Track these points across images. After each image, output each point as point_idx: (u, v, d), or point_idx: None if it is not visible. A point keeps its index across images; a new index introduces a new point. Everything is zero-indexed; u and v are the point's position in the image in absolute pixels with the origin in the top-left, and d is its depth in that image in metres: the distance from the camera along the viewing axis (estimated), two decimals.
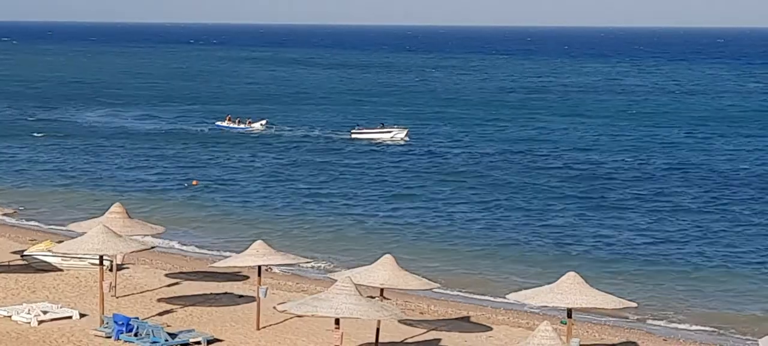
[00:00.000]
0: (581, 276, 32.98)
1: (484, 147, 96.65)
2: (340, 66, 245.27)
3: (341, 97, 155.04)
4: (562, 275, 33.24)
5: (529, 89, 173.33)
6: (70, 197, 71.78)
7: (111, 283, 40.57)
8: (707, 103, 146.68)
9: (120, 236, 37.95)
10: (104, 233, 37.31)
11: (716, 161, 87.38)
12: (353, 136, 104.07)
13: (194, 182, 76.83)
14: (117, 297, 41.57)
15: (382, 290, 36.21)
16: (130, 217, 42.98)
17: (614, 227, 61.27)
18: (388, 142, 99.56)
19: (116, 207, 42.84)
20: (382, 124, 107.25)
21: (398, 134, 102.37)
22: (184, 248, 56.77)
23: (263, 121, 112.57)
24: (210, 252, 55.04)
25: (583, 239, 58.58)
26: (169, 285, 44.92)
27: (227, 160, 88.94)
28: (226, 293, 43.70)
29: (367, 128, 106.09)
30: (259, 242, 39.03)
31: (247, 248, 39.07)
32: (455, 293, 48.10)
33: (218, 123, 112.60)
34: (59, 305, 39.55)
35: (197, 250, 56.24)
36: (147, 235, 45.06)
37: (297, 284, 47.19)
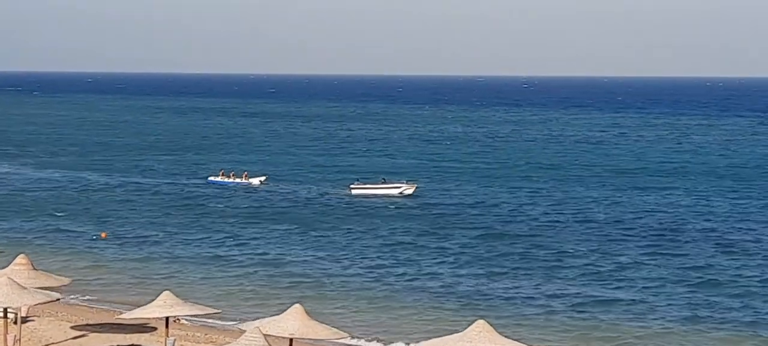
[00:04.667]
0: (490, 324, 33.12)
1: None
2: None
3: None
4: (472, 323, 33.35)
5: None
6: None
7: (15, 336, 39.89)
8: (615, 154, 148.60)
9: (24, 288, 37.37)
10: (8, 284, 36.75)
11: (629, 214, 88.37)
12: (353, 191, 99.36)
13: (103, 235, 75.92)
14: None
15: (291, 340, 36.05)
16: (35, 268, 42.35)
17: (529, 279, 61.47)
18: (395, 198, 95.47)
19: (21, 259, 42.23)
20: (384, 179, 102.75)
21: (407, 190, 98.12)
22: (91, 299, 56.02)
23: (263, 177, 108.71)
24: (117, 304, 54.35)
25: (494, 289, 58.84)
26: (74, 338, 44.27)
27: (140, 212, 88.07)
28: (133, 345, 43.18)
29: (368, 184, 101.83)
30: (166, 292, 38.71)
31: (154, 299, 38.70)
32: (364, 342, 48.00)
33: (211, 178, 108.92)
34: None
35: (104, 302, 55.50)
36: (52, 287, 44.36)
37: (205, 335, 46.80)
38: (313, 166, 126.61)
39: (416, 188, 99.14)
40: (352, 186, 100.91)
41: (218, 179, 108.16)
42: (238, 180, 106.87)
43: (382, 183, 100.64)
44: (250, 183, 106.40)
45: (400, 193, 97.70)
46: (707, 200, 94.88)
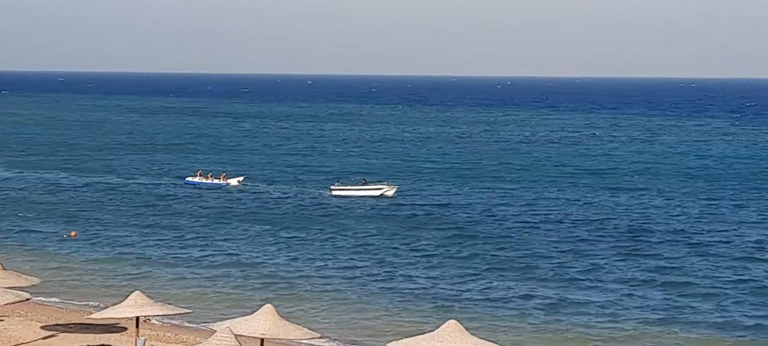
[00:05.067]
0: (462, 324, 33.02)
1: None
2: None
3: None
4: (444, 323, 33.25)
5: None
6: None
7: None
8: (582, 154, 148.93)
9: None
10: None
11: (603, 215, 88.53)
12: (333, 192, 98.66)
13: (73, 234, 75.51)
14: None
15: (262, 340, 35.82)
16: (4, 268, 42.00)
17: (502, 280, 61.34)
18: (373, 199, 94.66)
19: None
20: (364, 180, 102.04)
21: (388, 191, 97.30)
22: (61, 299, 55.63)
23: (241, 178, 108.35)
24: (87, 304, 54.02)
25: (468, 290, 58.72)
26: (44, 338, 43.96)
27: (112, 212, 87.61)
28: (103, 345, 42.90)
29: (349, 185, 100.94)
30: (137, 292, 38.44)
31: (124, 299, 38.44)
32: (337, 343, 47.82)
33: (189, 179, 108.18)
34: None
35: (74, 301, 55.15)
36: (22, 286, 43.99)
37: (176, 335, 46.53)
38: (290, 166, 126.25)
39: (397, 189, 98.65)
40: (332, 187, 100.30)
41: (196, 179, 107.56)
42: (216, 181, 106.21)
43: (363, 184, 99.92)
44: (228, 184, 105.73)
45: (382, 194, 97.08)
46: (680, 201, 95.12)
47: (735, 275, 62.62)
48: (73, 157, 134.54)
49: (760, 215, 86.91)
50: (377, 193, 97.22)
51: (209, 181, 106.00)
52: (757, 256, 68.65)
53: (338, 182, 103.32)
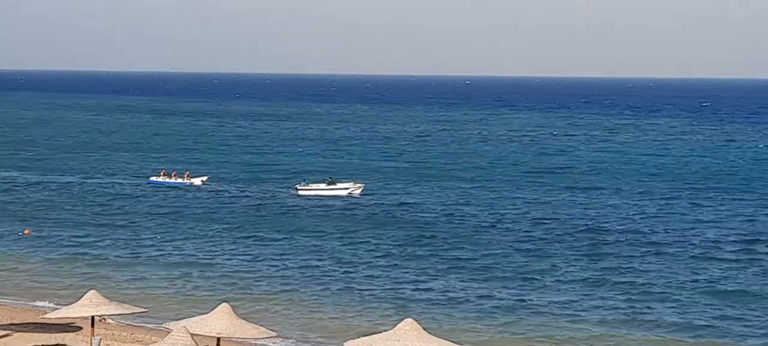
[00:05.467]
0: (421, 324, 32.89)
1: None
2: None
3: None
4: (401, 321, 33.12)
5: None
6: None
7: None
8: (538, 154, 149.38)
9: None
10: None
11: (562, 215, 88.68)
12: (300, 192, 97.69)
13: (26, 232, 74.86)
14: None
15: (218, 340, 35.56)
16: None
17: (461, 280, 61.24)
18: (338, 199, 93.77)
19: None
20: (330, 179, 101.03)
21: (355, 190, 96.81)
22: (15, 299, 55.11)
23: (205, 177, 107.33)
24: (42, 303, 53.55)
25: (427, 289, 58.61)
26: None
27: (68, 211, 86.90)
28: (58, 345, 42.51)
29: (314, 183, 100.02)
30: (92, 291, 38.06)
31: (80, 299, 38.08)
32: (293, 341, 47.66)
33: (152, 178, 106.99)
34: None
35: (29, 301, 54.66)
36: None
37: (131, 334, 46.20)
38: (251, 165, 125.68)
39: (363, 188, 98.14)
40: (298, 187, 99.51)
41: (160, 179, 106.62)
42: (179, 180, 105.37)
43: (329, 184, 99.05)
44: (192, 183, 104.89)
45: (349, 194, 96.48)
46: (637, 200, 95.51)
47: (692, 274, 62.85)
48: (28, 156, 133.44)
49: (716, 214, 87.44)
50: (344, 192, 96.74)
51: (173, 180, 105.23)
52: (713, 255, 69.00)
53: (304, 181, 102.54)
